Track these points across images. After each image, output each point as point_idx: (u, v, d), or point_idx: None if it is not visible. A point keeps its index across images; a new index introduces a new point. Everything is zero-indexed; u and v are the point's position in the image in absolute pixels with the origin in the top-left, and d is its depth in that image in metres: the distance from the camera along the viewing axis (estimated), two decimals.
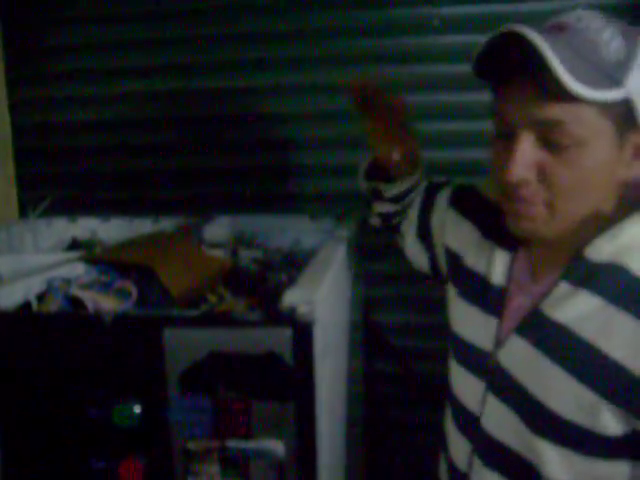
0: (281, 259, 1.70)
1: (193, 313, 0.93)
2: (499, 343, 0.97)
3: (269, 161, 2.04)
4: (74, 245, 1.88)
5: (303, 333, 0.87)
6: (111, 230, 1.93)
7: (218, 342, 0.90)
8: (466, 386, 1.04)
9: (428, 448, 1.94)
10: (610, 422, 0.84)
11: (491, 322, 0.99)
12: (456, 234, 1.16)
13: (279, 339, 0.88)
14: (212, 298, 1.37)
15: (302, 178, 2.04)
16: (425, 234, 1.26)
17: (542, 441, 0.90)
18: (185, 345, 0.91)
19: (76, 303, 1.20)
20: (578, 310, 0.88)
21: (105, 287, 1.29)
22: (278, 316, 0.88)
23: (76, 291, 1.23)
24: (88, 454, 0.96)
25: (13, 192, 2.21)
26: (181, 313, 0.94)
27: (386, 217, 1.34)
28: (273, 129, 2.05)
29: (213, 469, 0.93)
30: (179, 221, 1.87)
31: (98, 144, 2.15)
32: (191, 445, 0.92)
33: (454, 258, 1.14)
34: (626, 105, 0.82)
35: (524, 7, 1.89)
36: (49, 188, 2.17)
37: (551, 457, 0.90)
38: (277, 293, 1.24)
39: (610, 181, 0.87)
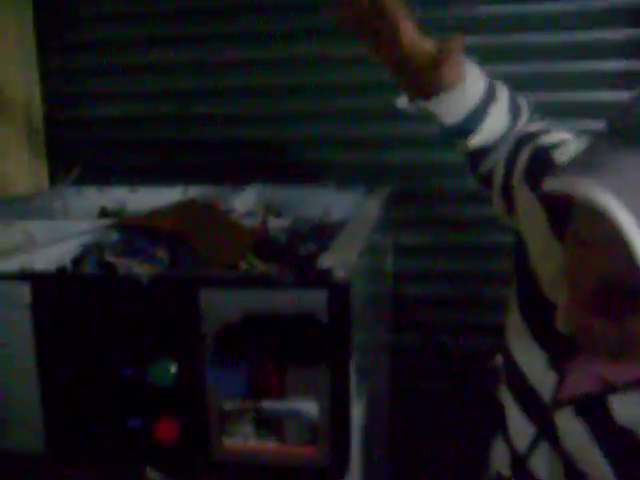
0: (310, 229, 1.69)
1: (230, 274, 0.94)
2: (556, 404, 0.83)
3: (299, 132, 2.04)
4: (103, 215, 1.90)
5: (339, 295, 0.87)
6: (140, 200, 1.94)
7: (254, 303, 0.90)
8: (518, 422, 0.91)
9: (454, 419, 1.97)
10: None
11: (551, 376, 0.84)
12: (527, 218, 0.91)
13: (314, 301, 0.88)
14: (242, 266, 1.38)
15: (331, 149, 2.03)
16: (508, 199, 0.98)
17: None
18: (221, 306, 0.91)
19: (109, 269, 1.21)
20: None
21: (137, 254, 1.30)
22: (314, 277, 0.88)
23: (109, 256, 1.24)
24: (125, 413, 0.98)
25: (43, 161, 2.23)
26: (218, 273, 0.94)
27: (471, 161, 1.08)
28: (303, 100, 2.05)
29: (248, 429, 0.94)
30: (208, 191, 1.87)
31: (128, 113, 2.17)
32: (226, 405, 0.93)
33: (522, 245, 0.92)
34: None
35: None
36: (79, 157, 2.19)
37: None
38: (307, 262, 1.25)
39: None
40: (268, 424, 0.93)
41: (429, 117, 1.00)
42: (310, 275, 0.88)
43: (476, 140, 1.01)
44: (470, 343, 2.00)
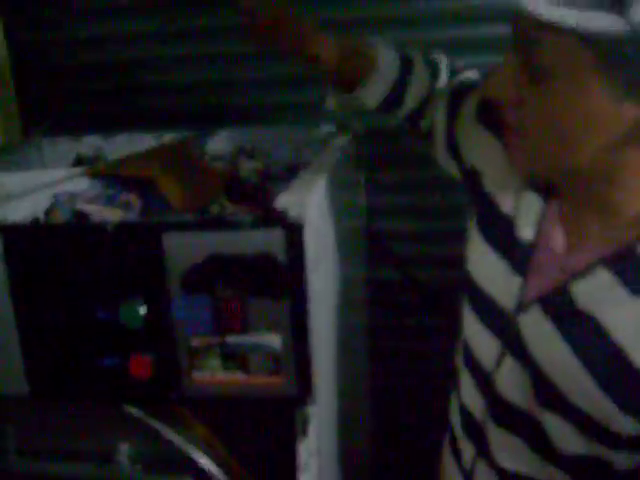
0: (282, 170, 1.72)
1: (189, 218, 0.98)
2: (521, 308, 0.86)
3: (271, 71, 2.04)
4: (79, 162, 1.91)
5: (295, 234, 0.91)
6: (115, 147, 1.96)
7: (216, 245, 0.94)
8: (482, 341, 0.95)
9: (433, 356, 2.03)
10: (623, 424, 0.78)
11: (514, 282, 0.87)
12: (481, 151, 0.99)
13: (273, 240, 0.92)
14: (213, 208, 1.42)
15: (301, 87, 2.04)
16: (454, 146, 1.06)
17: (549, 413, 0.85)
18: (184, 248, 0.95)
19: (82, 216, 1.25)
20: (617, 310, 0.76)
21: (109, 200, 1.34)
22: (270, 217, 0.92)
23: (81, 205, 1.28)
24: (100, 353, 1.03)
25: (15, 111, 2.23)
26: (177, 218, 0.98)
27: (410, 122, 1.18)
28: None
29: (215, 363, 1.00)
30: (182, 136, 1.89)
31: (99, 60, 2.16)
32: (194, 341, 0.99)
33: (475, 176, 0.99)
34: (630, 43, 0.63)
35: None
36: (51, 106, 2.19)
37: (558, 430, 0.85)
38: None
39: (609, 137, 0.71)
40: (234, 358, 0.99)
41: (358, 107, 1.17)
42: (267, 215, 0.92)
43: (404, 110, 1.15)
44: (446, 276, 2.05)
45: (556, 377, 0.82)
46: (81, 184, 1.37)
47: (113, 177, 1.40)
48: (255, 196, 1.53)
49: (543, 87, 0.72)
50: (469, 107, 1.02)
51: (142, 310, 0.98)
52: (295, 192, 0.97)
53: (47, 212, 1.26)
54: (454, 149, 1.05)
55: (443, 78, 1.13)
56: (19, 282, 1.02)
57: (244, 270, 0.94)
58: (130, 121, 2.15)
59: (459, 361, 1.05)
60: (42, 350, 1.05)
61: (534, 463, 0.91)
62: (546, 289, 0.83)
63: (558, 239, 0.84)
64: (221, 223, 0.95)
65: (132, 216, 1.29)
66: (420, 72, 1.13)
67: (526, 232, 0.86)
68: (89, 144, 1.98)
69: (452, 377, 1.11)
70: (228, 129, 1.88)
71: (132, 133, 1.95)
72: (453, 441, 1.09)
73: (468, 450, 1.02)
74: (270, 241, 0.93)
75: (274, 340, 0.96)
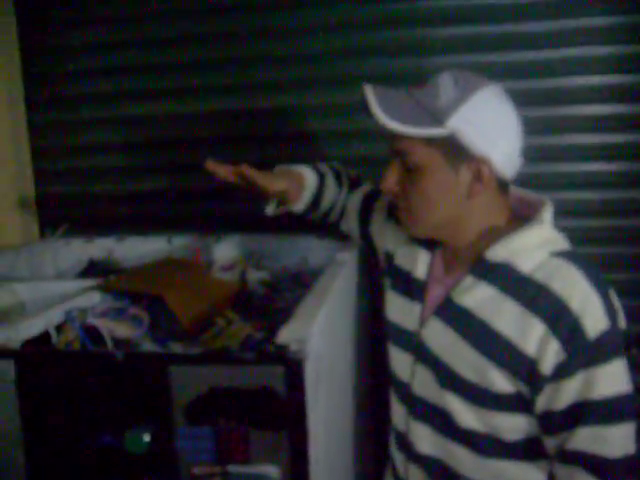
0: (289, 279, 1.77)
1: (196, 352, 1.02)
2: (422, 324, 1.26)
3: None
4: (91, 266, 1.98)
5: (294, 370, 0.95)
6: (126, 249, 2.02)
7: (220, 377, 0.98)
8: (399, 361, 1.33)
9: None
10: (498, 381, 1.12)
11: (415, 308, 1.28)
12: (392, 238, 1.44)
13: (273, 374, 0.96)
14: (221, 322, 1.46)
15: None
16: (367, 235, 1.58)
17: (450, 395, 1.20)
18: (190, 379, 0.99)
19: (92, 331, 1.29)
20: (478, 297, 1.16)
21: (119, 314, 1.39)
22: (271, 354, 0.96)
23: (92, 320, 1.32)
24: (104, 477, 1.06)
25: (34, 212, 2.31)
26: (185, 352, 1.02)
27: (322, 220, 1.67)
28: (282, 147, 2.14)
29: None
30: (191, 240, 1.95)
31: (114, 164, 2.25)
32: (196, 470, 1.01)
33: (389, 258, 1.44)
34: (453, 140, 1.13)
35: None
36: (67, 208, 2.28)
37: (458, 408, 1.19)
38: (283, 315, 1.34)
39: (457, 198, 1.18)
40: None
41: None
42: (267, 353, 0.96)
43: (320, 212, 1.62)
44: None
45: (452, 363, 1.18)
46: (93, 297, 1.42)
47: (123, 292, 1.45)
48: (262, 309, 1.57)
49: (415, 175, 1.18)
50: (381, 211, 1.51)
51: (146, 437, 1.01)
52: (296, 326, 1.01)
53: (58, 328, 1.30)
54: (366, 237, 1.58)
55: (345, 184, 1.63)
56: (28, 405, 1.06)
57: (245, 403, 0.98)
58: (142, 224, 2.22)
59: (390, 390, 1.40)
60: (47, 473, 1.08)
61: (441, 444, 1.24)
62: (436, 304, 1.24)
63: (440, 270, 1.28)
64: (225, 358, 0.99)
65: (141, 331, 1.34)
66: (330, 184, 1.59)
67: (419, 273, 1.30)
68: (101, 246, 2.04)
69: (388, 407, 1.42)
70: (236, 235, 1.94)
71: (143, 237, 2.01)
72: (391, 459, 1.43)
73: (400, 459, 1.37)
74: (270, 375, 0.96)
75: (273, 471, 0.98)
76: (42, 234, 2.27)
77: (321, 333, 1.08)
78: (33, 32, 2.22)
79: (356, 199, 1.60)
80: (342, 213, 1.64)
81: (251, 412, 0.98)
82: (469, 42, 2.01)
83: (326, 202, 1.59)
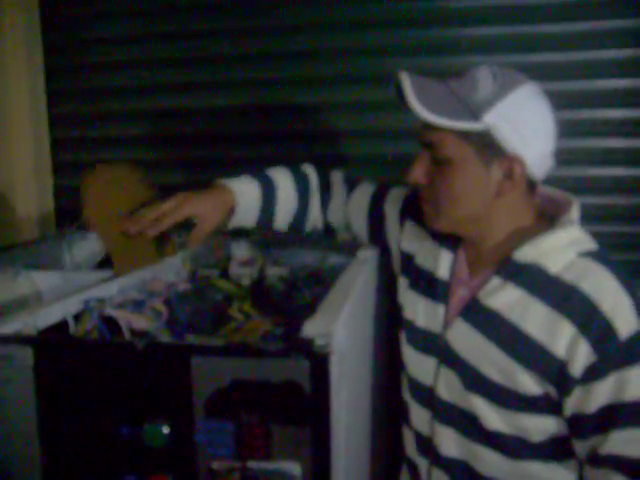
0: (307, 276, 1.75)
1: (218, 343, 1.00)
2: (446, 325, 1.24)
3: None
4: (108, 258, 1.96)
5: (320, 365, 0.92)
6: None
7: (242, 370, 0.96)
8: (421, 364, 1.30)
9: None
10: (526, 383, 1.11)
11: (439, 309, 1.26)
12: (411, 238, 1.41)
13: (298, 368, 0.94)
14: (239, 316, 1.44)
15: None
16: (379, 237, 1.53)
17: (476, 397, 1.18)
18: (211, 371, 0.97)
19: (110, 322, 1.27)
20: (506, 299, 1.14)
21: (137, 306, 1.36)
22: (296, 348, 0.94)
23: (110, 311, 1.30)
24: (121, 470, 1.03)
25: (51, 203, 2.31)
26: (207, 343, 1.00)
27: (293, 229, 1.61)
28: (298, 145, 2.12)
29: None
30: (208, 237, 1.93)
31: (132, 157, 2.24)
32: (215, 465, 0.99)
33: (407, 257, 1.40)
34: (487, 136, 1.11)
35: None
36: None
37: (484, 410, 1.17)
38: (302, 312, 1.31)
39: (485, 195, 1.16)
40: None
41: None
42: (293, 346, 0.94)
43: (279, 224, 1.56)
44: None
45: (479, 365, 1.16)
46: (111, 288, 1.40)
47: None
48: (280, 304, 1.55)
49: (444, 168, 1.15)
50: (393, 210, 1.47)
51: (166, 430, 0.99)
52: (321, 319, 0.99)
53: (76, 317, 1.28)
54: (380, 241, 1.53)
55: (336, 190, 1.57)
56: (46, 395, 1.04)
57: (268, 397, 0.95)
58: None
59: (405, 394, 1.38)
60: (63, 464, 1.06)
61: (467, 447, 1.22)
62: (462, 305, 1.21)
63: (464, 270, 1.25)
64: (249, 351, 0.96)
65: (159, 324, 1.31)
66: (285, 193, 1.52)
67: (442, 274, 1.27)
68: None
69: (402, 411, 1.41)
70: (253, 233, 1.91)
71: None
72: (410, 465, 1.40)
73: (423, 464, 1.33)
74: (295, 369, 0.94)
75: (295, 468, 0.96)
76: (59, 226, 2.26)
77: (345, 328, 1.05)
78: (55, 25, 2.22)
79: (361, 202, 1.55)
80: (342, 220, 1.60)
81: (273, 407, 0.95)
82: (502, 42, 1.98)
83: (287, 213, 1.54)
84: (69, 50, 2.24)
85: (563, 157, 1.91)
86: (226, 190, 1.45)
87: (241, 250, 1.82)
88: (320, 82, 2.10)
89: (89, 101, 2.25)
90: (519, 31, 1.97)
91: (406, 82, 1.13)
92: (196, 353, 0.97)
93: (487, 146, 1.12)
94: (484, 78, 1.11)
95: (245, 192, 1.47)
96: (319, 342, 0.93)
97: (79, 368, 1.03)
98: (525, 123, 1.11)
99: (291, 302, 1.57)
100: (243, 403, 0.96)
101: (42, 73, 2.24)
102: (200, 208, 1.40)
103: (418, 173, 1.20)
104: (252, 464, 0.98)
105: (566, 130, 1.92)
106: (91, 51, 2.22)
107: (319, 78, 2.10)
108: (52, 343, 1.06)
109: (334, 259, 1.84)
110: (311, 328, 0.96)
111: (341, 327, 1.00)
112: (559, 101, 1.90)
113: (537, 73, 1.89)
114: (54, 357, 1.04)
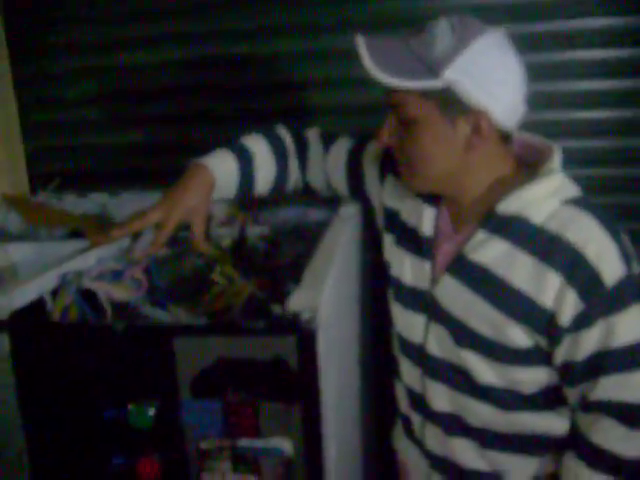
0: (289, 233, 1.71)
1: (202, 323, 0.97)
2: (434, 281, 1.23)
3: None
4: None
5: (306, 340, 0.90)
6: (120, 204, 1.95)
7: (227, 348, 0.93)
8: (410, 321, 1.29)
9: None
10: (516, 336, 1.12)
11: (426, 266, 1.25)
12: (393, 194, 1.38)
13: (285, 344, 0.91)
14: (221, 280, 1.40)
15: None
16: (360, 193, 1.49)
17: (468, 352, 1.18)
18: (195, 351, 0.94)
19: (89, 295, 1.24)
20: (492, 253, 1.13)
21: (116, 276, 1.33)
22: (282, 324, 0.91)
23: (88, 283, 1.26)
24: (108, 453, 1.01)
25: (22, 167, 2.23)
26: (190, 323, 0.97)
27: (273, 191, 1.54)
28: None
29: (225, 466, 0.98)
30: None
31: (104, 116, 2.17)
32: (204, 444, 0.97)
33: (391, 214, 1.38)
34: (449, 92, 1.07)
35: None
36: (57, 162, 2.20)
37: (476, 364, 1.18)
38: (286, 271, 1.28)
39: (455, 152, 1.13)
40: (245, 461, 0.97)
41: None
42: (278, 322, 0.91)
43: (259, 191, 1.49)
44: None
45: (468, 320, 1.17)
46: (88, 259, 1.36)
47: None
48: (263, 265, 1.52)
49: (410, 128, 1.13)
50: (372, 166, 1.43)
51: (151, 411, 0.97)
52: (306, 293, 0.96)
53: (54, 293, 1.24)
54: (361, 197, 1.50)
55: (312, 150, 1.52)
56: (26, 380, 1.01)
57: (255, 374, 0.93)
58: (135, 178, 2.15)
59: (396, 350, 1.38)
60: (49, 449, 1.04)
61: (459, 401, 1.23)
62: (448, 261, 1.20)
63: (448, 225, 1.24)
64: (233, 329, 0.93)
65: (140, 294, 1.28)
66: (263, 160, 1.45)
67: (426, 230, 1.25)
68: (95, 201, 1.97)
69: (393, 367, 1.41)
70: None
71: (137, 191, 1.95)
72: (403, 420, 1.42)
73: (417, 419, 1.34)
74: (282, 345, 0.92)
75: (285, 445, 0.94)
76: (33, 190, 2.19)
77: (330, 298, 1.03)
78: None
79: (338, 159, 1.49)
80: (322, 178, 1.54)
81: (261, 384, 0.94)
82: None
83: (266, 179, 1.47)
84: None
85: (544, 101, 1.92)
86: (202, 170, 1.36)
87: (220, 209, 1.78)
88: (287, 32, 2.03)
89: (52, 60, 2.16)
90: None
91: (362, 46, 1.10)
92: (178, 334, 0.94)
93: (450, 103, 1.09)
94: (442, 32, 1.07)
95: (222, 167, 1.39)
96: (305, 316, 0.90)
97: (58, 352, 1.01)
98: (488, 76, 1.08)
99: (274, 261, 1.54)
100: (230, 381, 0.94)
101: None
102: (188, 209, 1.31)
103: (387, 135, 1.18)
104: (242, 442, 0.96)
105: (547, 72, 1.91)
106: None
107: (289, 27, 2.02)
108: (29, 328, 1.02)
109: (316, 214, 1.79)
110: (296, 302, 0.93)
111: (327, 298, 0.98)
112: (539, 43, 1.90)
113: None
114: (31, 342, 1.01)
